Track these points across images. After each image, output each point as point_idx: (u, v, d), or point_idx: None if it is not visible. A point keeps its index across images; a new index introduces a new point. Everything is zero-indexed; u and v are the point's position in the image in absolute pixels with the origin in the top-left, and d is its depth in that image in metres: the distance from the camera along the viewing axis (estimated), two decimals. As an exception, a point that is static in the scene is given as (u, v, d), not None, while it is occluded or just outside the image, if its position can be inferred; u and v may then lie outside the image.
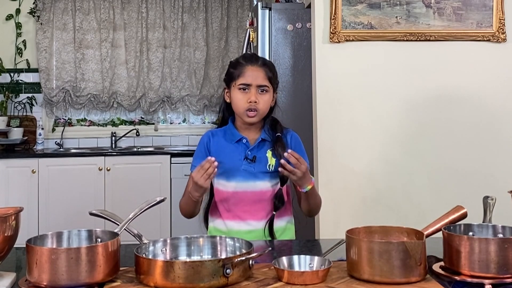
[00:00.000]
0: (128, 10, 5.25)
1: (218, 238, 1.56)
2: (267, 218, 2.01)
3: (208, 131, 2.14)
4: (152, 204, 1.58)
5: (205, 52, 5.34)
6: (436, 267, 1.43)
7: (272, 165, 2.01)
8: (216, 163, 1.82)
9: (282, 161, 1.85)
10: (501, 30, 2.82)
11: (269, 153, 2.02)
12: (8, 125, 4.93)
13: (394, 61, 2.83)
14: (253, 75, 2.03)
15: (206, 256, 1.53)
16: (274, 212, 2.01)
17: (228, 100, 2.09)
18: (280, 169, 1.87)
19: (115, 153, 4.85)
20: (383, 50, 2.82)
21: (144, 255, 1.42)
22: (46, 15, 5.11)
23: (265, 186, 2.01)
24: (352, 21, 2.78)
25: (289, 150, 1.86)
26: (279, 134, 2.04)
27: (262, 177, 2.01)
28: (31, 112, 5.16)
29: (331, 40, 2.78)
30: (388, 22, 2.80)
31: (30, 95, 5.15)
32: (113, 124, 5.37)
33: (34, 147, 5.06)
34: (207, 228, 2.12)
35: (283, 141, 2.03)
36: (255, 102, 1.99)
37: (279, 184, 2.02)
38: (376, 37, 2.80)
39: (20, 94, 5.14)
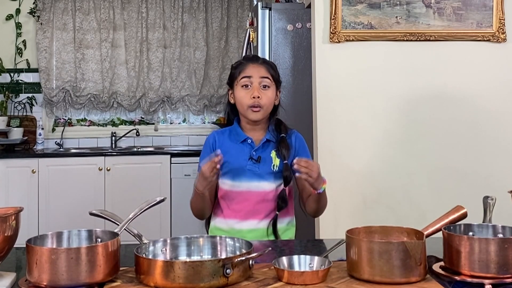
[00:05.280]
0: (128, 10, 5.25)
1: (218, 238, 1.56)
2: (268, 218, 2.02)
3: (214, 131, 2.16)
4: (152, 204, 1.58)
5: (205, 52, 5.34)
6: (436, 267, 1.43)
7: (276, 166, 2.02)
8: (220, 157, 1.83)
9: (296, 166, 1.81)
10: (501, 30, 2.82)
11: (273, 154, 2.03)
12: (8, 125, 4.93)
13: (394, 61, 2.83)
14: (254, 69, 2.05)
15: (206, 256, 1.52)
16: (277, 212, 2.02)
17: (232, 101, 2.10)
18: (297, 175, 1.84)
19: (115, 153, 4.85)
20: (383, 50, 2.82)
21: (144, 255, 1.42)
22: (46, 15, 5.11)
23: (269, 186, 2.02)
24: (352, 21, 2.78)
25: (295, 160, 1.82)
26: (283, 135, 2.05)
27: (267, 178, 2.01)
28: (31, 112, 5.16)
29: (331, 40, 2.78)
30: (388, 22, 2.80)
31: (30, 95, 5.15)
32: (113, 124, 5.37)
33: (34, 147, 5.06)
34: (207, 232, 2.12)
35: (287, 142, 2.04)
36: (258, 97, 2.00)
37: (282, 184, 2.03)
38: (376, 37, 2.80)
39: (20, 94, 5.14)
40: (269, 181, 2.02)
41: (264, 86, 2.03)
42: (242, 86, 2.04)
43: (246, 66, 2.06)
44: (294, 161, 1.82)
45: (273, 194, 2.02)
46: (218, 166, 1.84)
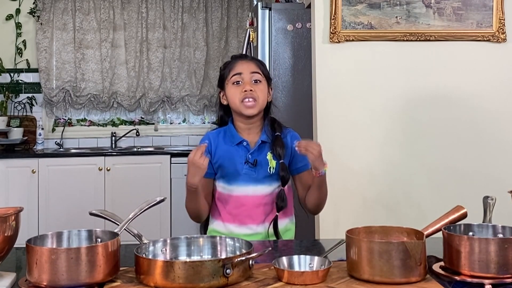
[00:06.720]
0: (128, 10, 5.26)
1: (218, 238, 1.56)
2: (267, 221, 1.99)
3: (208, 133, 2.11)
4: (152, 204, 1.58)
5: (205, 52, 5.34)
6: (436, 267, 1.43)
7: (273, 168, 1.98)
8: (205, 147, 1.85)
9: (297, 147, 1.83)
10: (501, 30, 2.82)
11: (269, 156, 1.99)
12: (8, 125, 4.93)
13: (394, 61, 2.83)
14: (243, 66, 2.03)
15: (206, 256, 1.52)
16: (277, 213, 1.99)
17: (225, 103, 2.07)
18: (297, 149, 1.84)
19: (115, 153, 4.85)
20: (383, 50, 2.82)
21: (144, 255, 1.42)
22: (46, 15, 5.11)
23: (266, 190, 1.99)
24: (352, 21, 2.78)
25: (295, 144, 1.84)
26: (278, 134, 2.01)
27: (263, 181, 1.98)
28: (31, 112, 5.16)
29: (331, 40, 2.78)
30: (388, 22, 2.80)
31: (30, 95, 5.15)
32: (113, 124, 5.38)
33: (34, 147, 5.06)
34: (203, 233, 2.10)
35: (282, 140, 2.01)
36: (251, 90, 1.97)
37: (280, 185, 2.01)
38: (376, 37, 2.80)
39: (20, 94, 5.15)
40: (266, 184, 1.99)
41: (256, 81, 2.00)
42: (233, 83, 2.01)
43: (235, 64, 2.04)
44: (295, 146, 1.83)
45: (271, 197, 1.99)
46: (209, 156, 1.82)
